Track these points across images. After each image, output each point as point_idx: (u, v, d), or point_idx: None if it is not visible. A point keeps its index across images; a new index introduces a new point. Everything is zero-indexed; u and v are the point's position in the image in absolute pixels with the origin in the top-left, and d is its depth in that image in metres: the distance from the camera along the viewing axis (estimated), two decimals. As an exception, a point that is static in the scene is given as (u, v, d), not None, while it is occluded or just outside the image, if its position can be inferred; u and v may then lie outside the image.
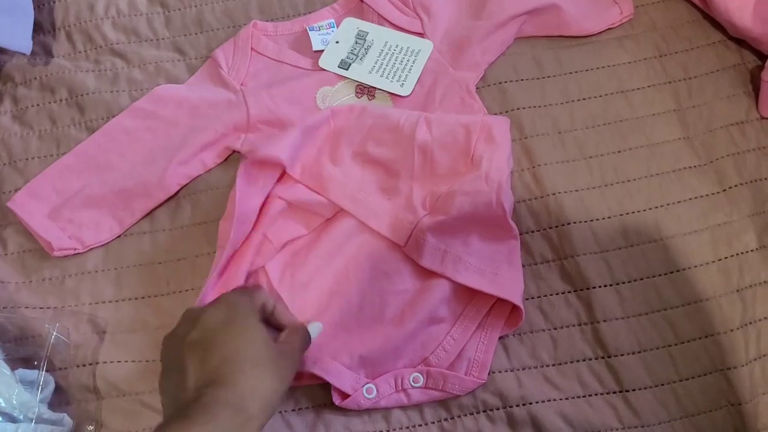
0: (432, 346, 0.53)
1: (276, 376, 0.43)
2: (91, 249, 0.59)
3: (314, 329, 0.51)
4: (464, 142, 0.56)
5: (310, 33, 0.65)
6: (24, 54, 0.64)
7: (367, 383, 0.52)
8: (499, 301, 0.54)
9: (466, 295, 0.54)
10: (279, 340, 0.48)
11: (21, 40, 0.63)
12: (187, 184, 0.61)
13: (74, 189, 0.59)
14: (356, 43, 0.64)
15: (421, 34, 0.64)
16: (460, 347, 0.53)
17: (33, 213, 0.58)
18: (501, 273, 0.54)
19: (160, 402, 0.45)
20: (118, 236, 0.59)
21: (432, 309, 0.53)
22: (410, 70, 0.62)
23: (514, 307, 0.53)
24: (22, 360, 0.52)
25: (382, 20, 0.65)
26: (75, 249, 0.58)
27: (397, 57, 0.63)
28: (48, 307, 0.56)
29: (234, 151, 0.61)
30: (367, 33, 0.64)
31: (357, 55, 0.63)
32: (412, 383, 0.52)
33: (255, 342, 0.44)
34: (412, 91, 0.62)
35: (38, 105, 0.64)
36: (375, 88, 0.62)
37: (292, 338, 0.48)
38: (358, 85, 0.63)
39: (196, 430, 0.38)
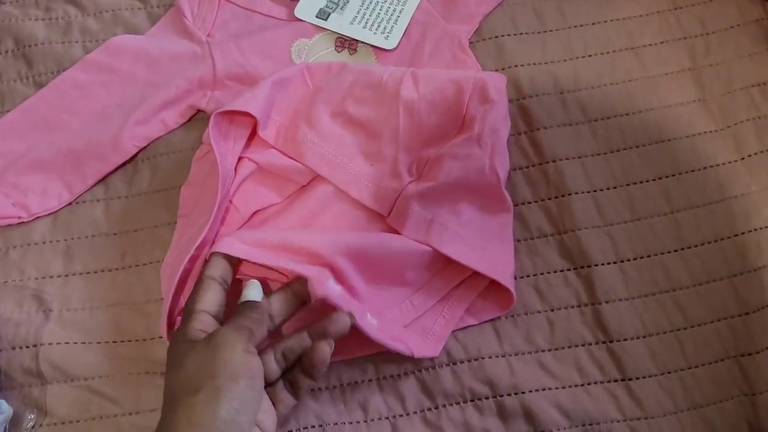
0: (390, 306, 0.49)
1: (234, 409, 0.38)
2: (38, 218, 0.54)
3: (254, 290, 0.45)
4: (455, 100, 0.50)
5: (285, -22, 0.59)
6: None
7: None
8: (476, 275, 0.49)
9: (442, 264, 0.49)
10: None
11: None
12: (145, 146, 0.55)
13: (19, 150, 0.54)
14: None
15: None
16: (417, 314, 0.49)
17: None
18: (490, 248, 0.48)
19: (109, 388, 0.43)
20: (69, 204, 0.54)
21: (401, 268, 0.48)
22: (396, 21, 0.56)
23: (504, 289, 0.48)
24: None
25: None
26: (19, 217, 0.53)
27: (381, 6, 0.57)
28: (-12, 281, 0.51)
29: (198, 111, 0.56)
30: None
31: (337, 4, 0.57)
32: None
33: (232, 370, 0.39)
34: (398, 44, 0.56)
35: (-20, 57, 0.59)
36: (357, 41, 0.56)
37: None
38: (338, 38, 0.57)
39: None
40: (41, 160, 0.53)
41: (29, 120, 0.55)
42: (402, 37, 0.56)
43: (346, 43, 0.57)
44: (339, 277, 0.45)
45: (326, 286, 0.44)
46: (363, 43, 0.56)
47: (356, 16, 0.57)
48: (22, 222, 0.53)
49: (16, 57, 0.58)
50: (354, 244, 0.46)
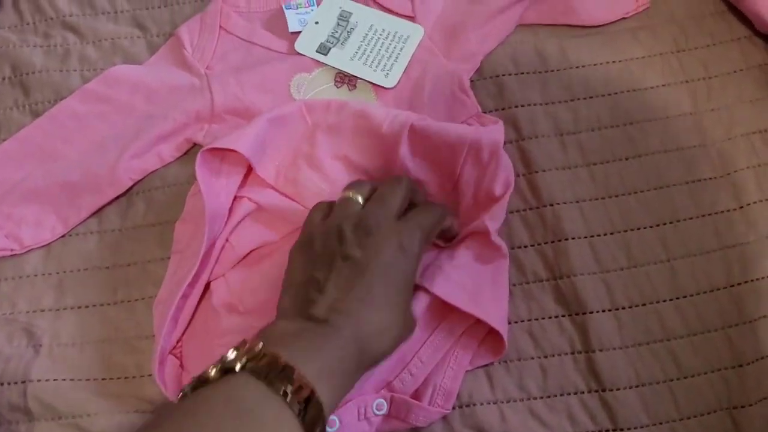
0: (397, 369, 0.48)
1: (405, 324, 0.43)
2: (31, 250, 0.53)
3: None
4: (449, 162, 0.50)
5: (286, 11, 0.58)
6: None
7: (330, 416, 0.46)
8: (476, 324, 0.48)
9: (440, 313, 0.49)
10: None
11: None
12: (141, 179, 0.55)
13: (14, 180, 0.53)
14: (338, 24, 0.57)
15: (411, 18, 0.57)
16: (427, 371, 0.48)
17: None
18: (483, 292, 0.48)
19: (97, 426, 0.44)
20: (62, 236, 0.54)
21: None
22: (396, 58, 0.55)
23: (497, 334, 0.48)
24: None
25: (368, 0, 0.58)
26: (12, 249, 0.52)
27: (383, 43, 0.56)
28: (-22, 314, 0.51)
29: (195, 144, 0.55)
30: (351, 14, 0.57)
31: (338, 39, 0.57)
32: (375, 411, 0.47)
33: (406, 296, 0.42)
34: (398, 82, 0.55)
35: (-23, 82, 0.58)
36: (357, 77, 0.56)
37: None
38: (337, 73, 0.56)
39: (320, 351, 0.37)
40: (36, 190, 0.53)
41: (25, 149, 0.54)
42: (402, 75, 0.56)
43: (345, 79, 0.56)
44: None
45: None
46: (362, 79, 0.56)
47: (357, 52, 0.56)
48: (15, 254, 0.53)
49: (13, 84, 0.58)
50: None
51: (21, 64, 0.58)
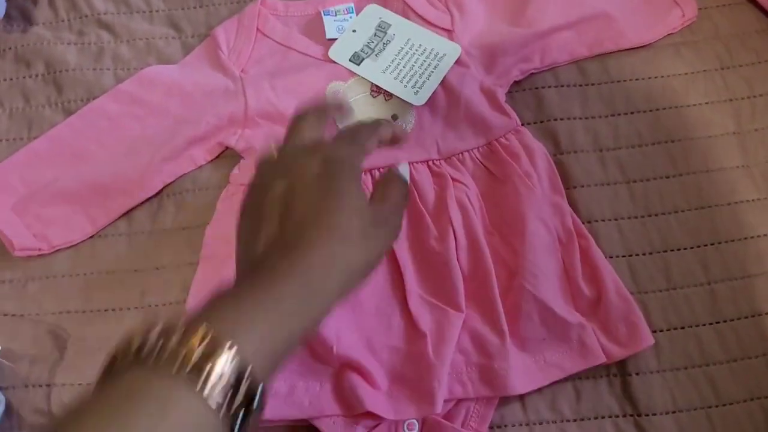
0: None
1: (366, 251, 0.36)
2: (58, 250, 0.53)
3: (404, 170, 0.44)
4: None
5: (324, 17, 0.57)
6: None
7: None
8: None
9: None
10: (376, 198, 0.39)
11: None
12: (172, 182, 0.54)
13: (44, 180, 0.53)
14: (375, 35, 0.56)
15: (449, 31, 0.56)
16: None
17: None
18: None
19: None
20: (90, 237, 0.53)
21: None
22: (429, 76, 0.54)
23: None
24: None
25: (408, 10, 0.57)
26: (40, 249, 0.52)
27: (417, 59, 0.55)
28: (5, 314, 0.50)
29: (227, 148, 0.55)
30: (390, 25, 0.56)
31: (373, 50, 0.56)
32: (406, 430, 0.46)
33: (349, 211, 0.36)
34: (427, 100, 0.54)
35: (11, 79, 0.58)
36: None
37: (391, 194, 0.39)
38: (373, 83, 0.55)
39: (256, 297, 0.32)
40: (66, 191, 0.52)
41: (56, 149, 0.54)
42: (432, 93, 0.54)
43: (381, 89, 0.55)
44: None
45: None
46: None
47: (390, 65, 0.55)
48: (42, 254, 0.52)
49: (47, 81, 0.57)
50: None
51: (55, 61, 0.58)
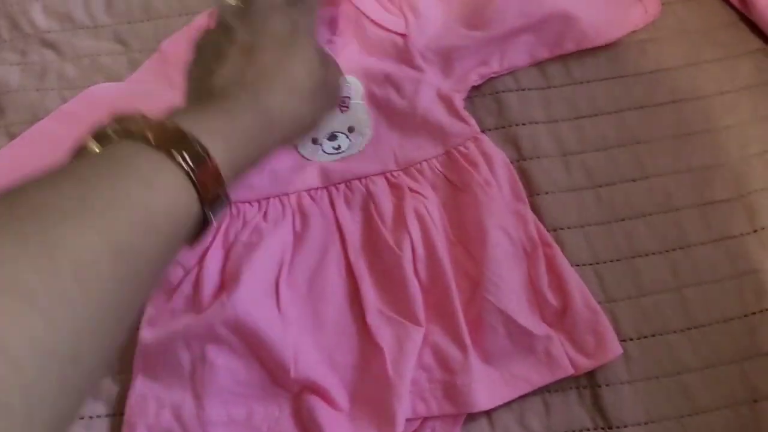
0: None
1: (312, 109, 0.44)
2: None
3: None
4: None
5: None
6: None
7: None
8: None
9: None
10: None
11: None
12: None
13: None
14: None
15: (404, 36, 0.55)
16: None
17: None
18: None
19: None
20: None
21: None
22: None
23: None
24: None
25: (360, 15, 0.56)
26: None
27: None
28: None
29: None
30: None
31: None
32: None
33: (306, 72, 0.43)
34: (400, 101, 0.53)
35: (-50, 102, 0.56)
36: (348, 98, 0.53)
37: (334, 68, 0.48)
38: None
39: (217, 115, 0.37)
40: None
41: (-2, 171, 0.52)
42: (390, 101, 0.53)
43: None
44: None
45: None
46: (355, 101, 0.54)
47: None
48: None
49: (-12, 105, 0.56)
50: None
51: (-3, 83, 0.56)
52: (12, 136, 0.54)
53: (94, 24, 0.59)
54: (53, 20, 0.59)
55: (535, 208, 0.51)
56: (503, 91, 0.54)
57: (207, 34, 0.45)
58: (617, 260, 0.50)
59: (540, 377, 0.46)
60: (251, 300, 0.46)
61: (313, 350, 0.47)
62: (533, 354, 0.46)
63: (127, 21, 0.59)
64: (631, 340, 0.48)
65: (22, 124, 0.54)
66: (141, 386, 0.46)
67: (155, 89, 0.54)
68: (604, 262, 0.50)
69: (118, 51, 0.58)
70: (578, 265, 0.49)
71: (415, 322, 0.46)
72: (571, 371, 0.46)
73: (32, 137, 0.53)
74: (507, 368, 0.46)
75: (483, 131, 0.53)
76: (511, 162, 0.52)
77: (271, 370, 0.46)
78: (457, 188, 0.50)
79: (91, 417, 0.47)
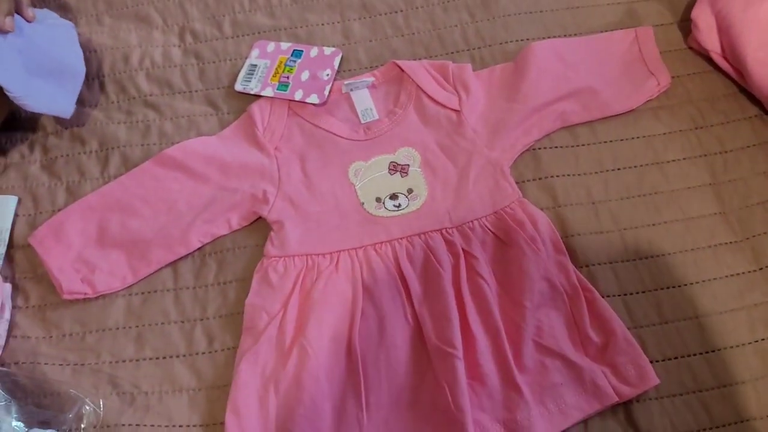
0: None
1: None
2: (113, 304, 0.58)
3: None
4: None
5: (351, 93, 0.65)
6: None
7: None
8: None
9: None
10: None
11: (64, 104, 0.62)
12: (212, 241, 0.60)
13: (94, 230, 0.58)
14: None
15: (458, 111, 0.63)
16: None
17: (51, 250, 0.57)
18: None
19: None
20: (131, 286, 0.58)
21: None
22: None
23: None
24: (40, 423, 0.51)
25: (420, 92, 0.64)
26: (85, 293, 0.57)
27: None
28: (67, 364, 0.55)
29: (260, 217, 0.60)
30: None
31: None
32: None
33: None
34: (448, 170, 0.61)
35: (67, 155, 0.64)
36: (408, 165, 0.61)
37: None
38: (391, 162, 0.61)
39: None
40: (113, 241, 0.58)
41: (105, 202, 0.59)
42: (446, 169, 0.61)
43: (398, 167, 0.61)
44: None
45: None
46: (414, 168, 0.61)
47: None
48: (87, 298, 0.57)
49: (99, 158, 0.64)
50: None
51: (107, 138, 0.64)
52: (119, 182, 0.61)
53: (189, 89, 0.67)
54: (154, 85, 0.67)
55: (569, 248, 0.58)
56: (539, 149, 0.63)
57: None
58: (642, 292, 0.57)
59: (590, 405, 0.51)
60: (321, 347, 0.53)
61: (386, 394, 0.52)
62: (582, 385, 0.52)
63: (217, 86, 0.67)
64: (657, 361, 0.54)
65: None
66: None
67: (243, 147, 0.61)
68: (631, 294, 0.56)
69: (210, 113, 0.65)
70: (608, 296, 0.56)
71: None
72: (615, 399, 0.51)
73: (137, 174, 0.60)
74: (562, 399, 0.52)
75: (524, 181, 0.61)
76: (549, 208, 0.60)
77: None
78: (504, 244, 0.57)
79: None
